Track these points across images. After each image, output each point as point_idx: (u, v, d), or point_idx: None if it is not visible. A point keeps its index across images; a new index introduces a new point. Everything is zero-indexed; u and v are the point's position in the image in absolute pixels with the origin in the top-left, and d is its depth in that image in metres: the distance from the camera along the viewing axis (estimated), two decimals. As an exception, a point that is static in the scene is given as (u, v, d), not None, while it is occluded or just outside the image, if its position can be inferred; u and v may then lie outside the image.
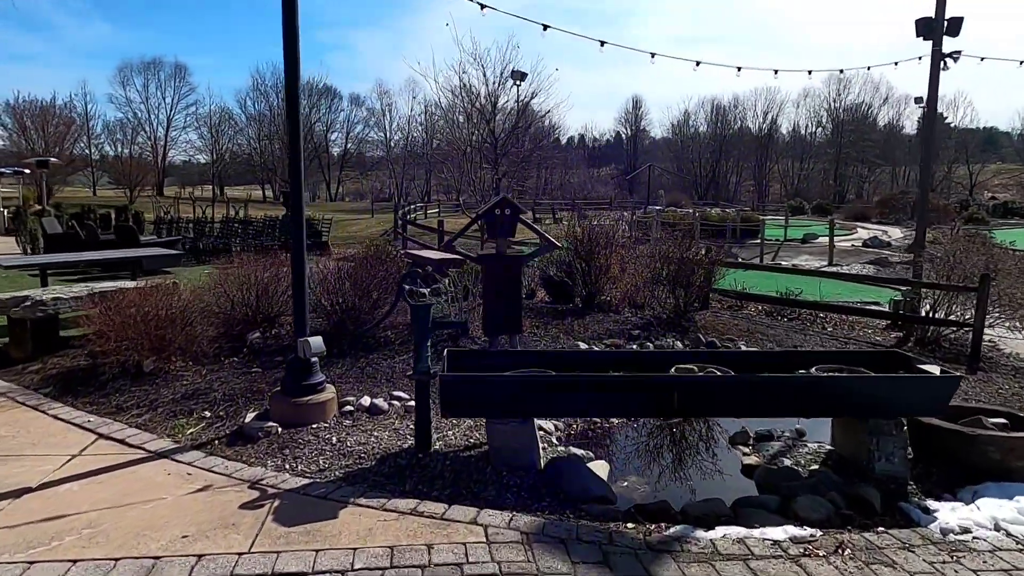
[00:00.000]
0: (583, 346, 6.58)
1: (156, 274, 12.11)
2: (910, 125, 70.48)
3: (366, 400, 5.03)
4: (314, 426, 4.57)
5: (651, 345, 6.70)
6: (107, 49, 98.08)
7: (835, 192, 64.86)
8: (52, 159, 20.50)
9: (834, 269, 16.34)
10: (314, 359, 4.72)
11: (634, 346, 6.67)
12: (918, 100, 65.25)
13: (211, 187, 62.40)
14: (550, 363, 4.48)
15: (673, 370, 4.34)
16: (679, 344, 6.80)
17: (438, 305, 6.15)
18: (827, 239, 20.55)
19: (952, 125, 63.47)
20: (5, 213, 21.63)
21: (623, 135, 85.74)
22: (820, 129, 72.40)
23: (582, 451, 4.51)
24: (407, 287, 4.10)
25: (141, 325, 5.62)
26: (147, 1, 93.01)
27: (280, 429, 4.48)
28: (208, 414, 4.81)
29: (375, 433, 4.53)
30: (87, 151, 58.65)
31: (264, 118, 66.29)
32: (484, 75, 31.09)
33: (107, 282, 8.43)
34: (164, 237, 14.04)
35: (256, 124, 67.16)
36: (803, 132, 74.06)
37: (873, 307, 10.28)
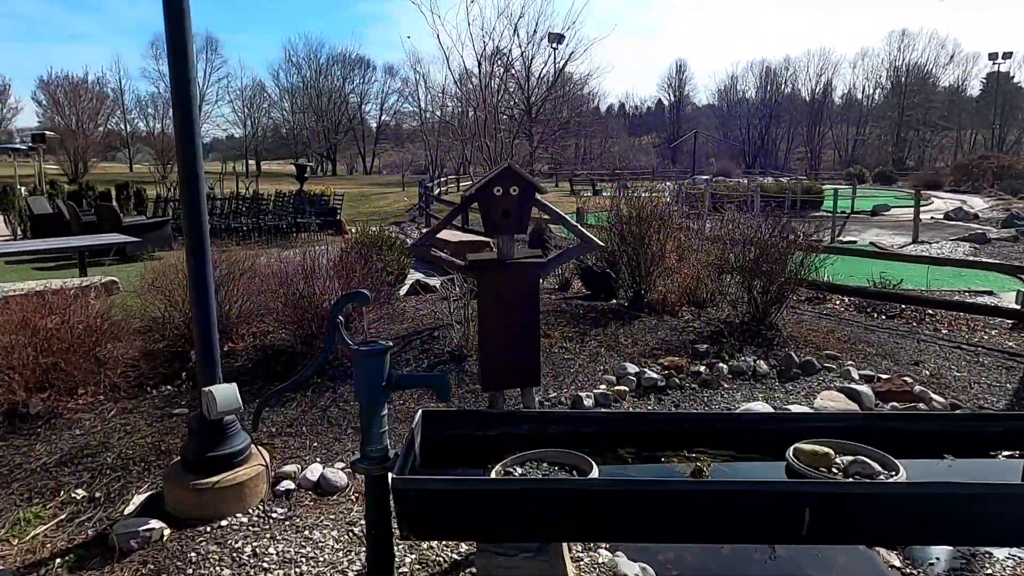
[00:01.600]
0: (632, 369, 4.86)
1: (139, 260, 10.78)
2: (977, 86, 65.60)
3: (315, 470, 3.43)
4: (224, 522, 3.00)
5: (724, 367, 4.94)
6: (151, 25, 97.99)
7: (893, 158, 60.82)
8: (48, 133, 19.45)
9: (936, 252, 14.12)
10: (229, 418, 3.14)
11: (702, 368, 4.92)
12: (992, 56, 60.42)
13: (244, 162, 61.73)
14: (585, 431, 2.80)
15: (791, 454, 2.61)
16: (763, 364, 5.02)
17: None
18: (900, 211, 18.20)
19: (1026, 85, 58.60)
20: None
21: (665, 102, 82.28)
22: (879, 90, 67.87)
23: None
24: (340, 319, 2.44)
25: (28, 350, 4.12)
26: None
27: (167, 533, 2.91)
28: (81, 493, 3.28)
29: (316, 536, 2.93)
30: (121, 126, 58.41)
31: (297, 90, 65.23)
32: (517, 36, 28.99)
33: (56, 279, 7.03)
34: (160, 216, 12.70)
35: (289, 97, 66.18)
36: (859, 95, 69.63)
37: (992, 302, 8.27)
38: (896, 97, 63.81)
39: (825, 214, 19.54)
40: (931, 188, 30.74)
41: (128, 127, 60.05)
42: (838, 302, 8.13)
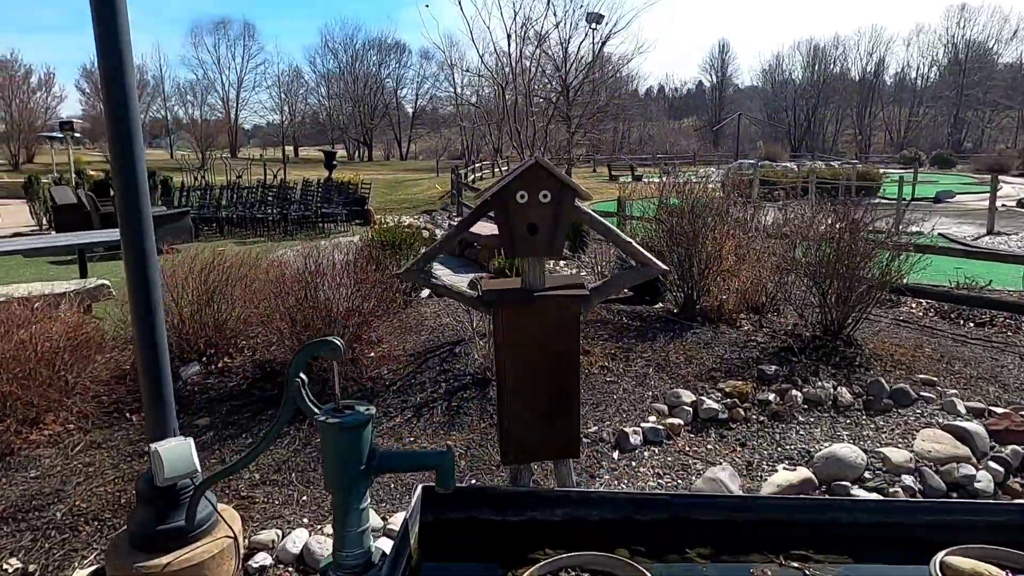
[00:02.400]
0: (687, 396, 4.09)
1: (161, 252, 10.35)
2: (1043, 62, 61.89)
3: (298, 538, 2.78)
4: (175, 618, 2.36)
5: (798, 395, 4.13)
6: (191, 11, 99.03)
7: (950, 140, 57.89)
8: (77, 121, 19.32)
9: (1017, 245, 12.89)
10: (185, 481, 2.49)
11: (771, 396, 4.12)
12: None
13: (281, 148, 61.98)
14: (639, 518, 2.07)
15: (937, 569, 1.83)
16: (845, 393, 4.19)
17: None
18: (965, 197, 16.83)
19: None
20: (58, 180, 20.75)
21: (706, 84, 79.95)
22: (935, 68, 64.55)
23: None
24: (302, 377, 1.76)
25: (-16, 373, 3.56)
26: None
27: (99, 634, 2.29)
28: (14, 564, 2.68)
29: (288, 640, 2.27)
30: (162, 113, 59.12)
31: (333, 76, 65.12)
32: (552, 6, 27.93)
33: (58, 281, 6.56)
34: (182, 206, 12.27)
35: (326, 83, 66.13)
36: (913, 74, 66.39)
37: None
38: (954, 75, 60.59)
39: (884, 201, 18.26)
40: (997, 172, 28.83)
41: (168, 114, 60.72)
42: (914, 305, 7.20)
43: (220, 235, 12.80)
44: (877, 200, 19.34)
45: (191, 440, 2.45)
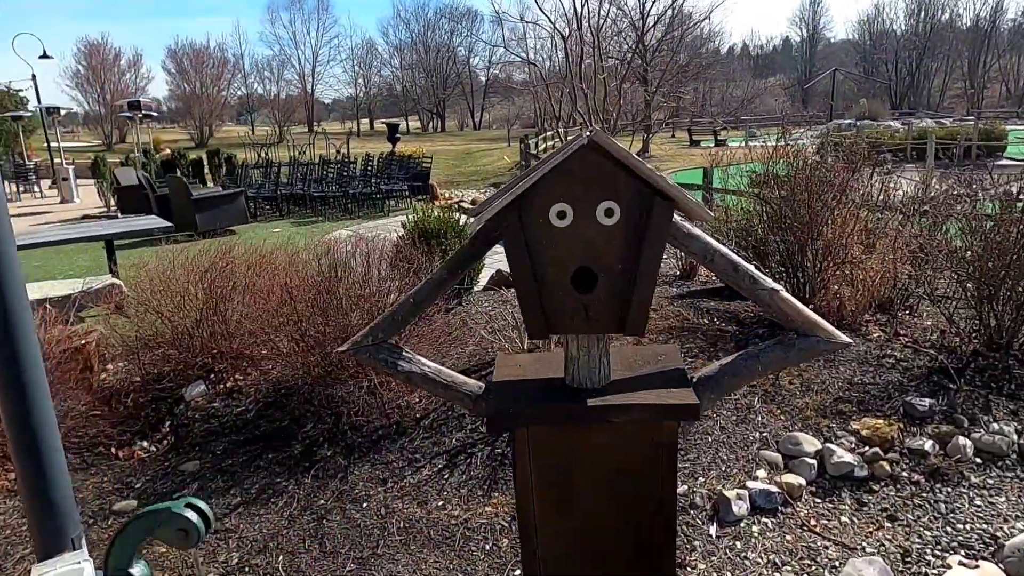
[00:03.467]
0: (809, 443, 3.06)
1: (215, 234, 9.95)
2: None
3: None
4: None
5: (966, 443, 3.02)
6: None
7: (1079, 91, 51.77)
8: (143, 100, 19.43)
9: None
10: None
11: (926, 443, 3.03)
12: None
13: (355, 122, 62.41)
14: None
15: None
16: (1033, 439, 3.04)
17: None
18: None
19: None
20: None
21: (793, 40, 74.79)
22: (1062, 11, 57.55)
23: None
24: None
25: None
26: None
27: None
28: None
29: None
30: (242, 90, 60.51)
31: (405, 46, 64.73)
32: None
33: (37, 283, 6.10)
34: (236, 187, 11.85)
35: (399, 54, 65.87)
36: (1036, 17, 59.45)
37: None
38: (1086, 17, 53.84)
39: (1012, 163, 15.99)
40: None
41: (248, 91, 62.09)
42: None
43: (279, 215, 12.36)
44: (1004, 161, 17.06)
45: (88, 564, 1.67)
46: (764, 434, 3.20)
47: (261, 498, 2.82)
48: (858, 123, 27.46)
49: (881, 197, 5.24)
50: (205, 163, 14.40)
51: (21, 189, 17.99)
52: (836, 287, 4.56)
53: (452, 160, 26.20)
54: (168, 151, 19.56)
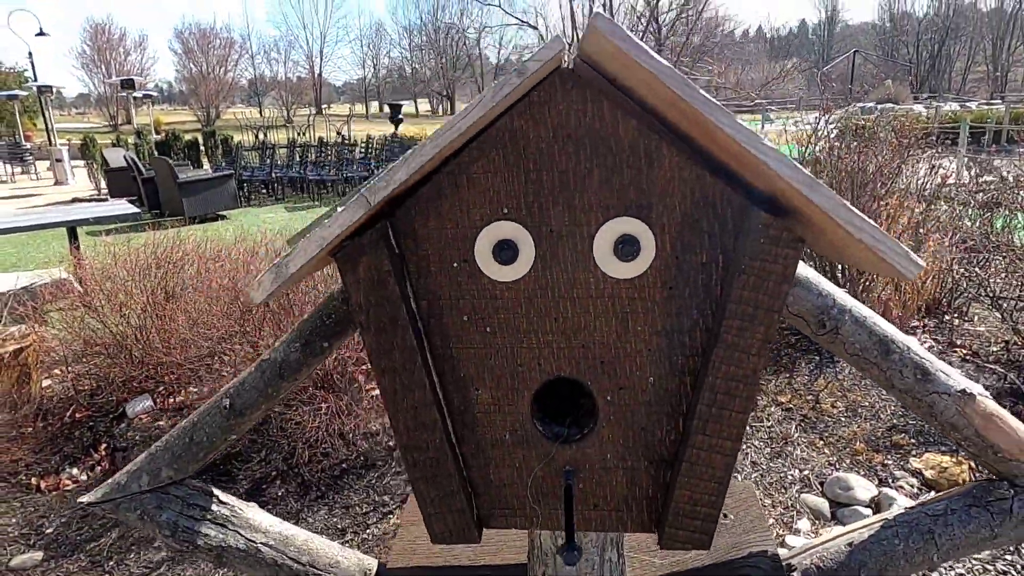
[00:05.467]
0: (862, 489, 2.51)
1: (206, 219, 9.47)
2: None
3: None
4: None
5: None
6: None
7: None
8: (136, 78, 18.84)
9: None
10: None
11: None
12: None
13: (364, 104, 61.69)
14: None
15: None
16: None
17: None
18: None
19: None
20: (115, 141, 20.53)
21: (809, 23, 73.20)
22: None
23: None
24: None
25: None
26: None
27: None
28: None
29: None
30: (250, 71, 59.86)
31: (414, 27, 63.82)
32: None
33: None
34: (231, 170, 11.31)
35: (408, 35, 64.97)
36: (1064, -2, 57.62)
37: None
38: (1116, -2, 52.10)
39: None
40: None
41: (255, 72, 61.45)
42: None
43: (274, 199, 11.83)
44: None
45: None
46: (806, 472, 2.65)
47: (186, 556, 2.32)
48: (879, 107, 26.56)
49: (932, 185, 4.63)
50: (201, 144, 13.88)
51: (18, 170, 17.57)
52: (879, 290, 4.00)
53: (459, 143, 25.56)
54: (163, 133, 19.04)
